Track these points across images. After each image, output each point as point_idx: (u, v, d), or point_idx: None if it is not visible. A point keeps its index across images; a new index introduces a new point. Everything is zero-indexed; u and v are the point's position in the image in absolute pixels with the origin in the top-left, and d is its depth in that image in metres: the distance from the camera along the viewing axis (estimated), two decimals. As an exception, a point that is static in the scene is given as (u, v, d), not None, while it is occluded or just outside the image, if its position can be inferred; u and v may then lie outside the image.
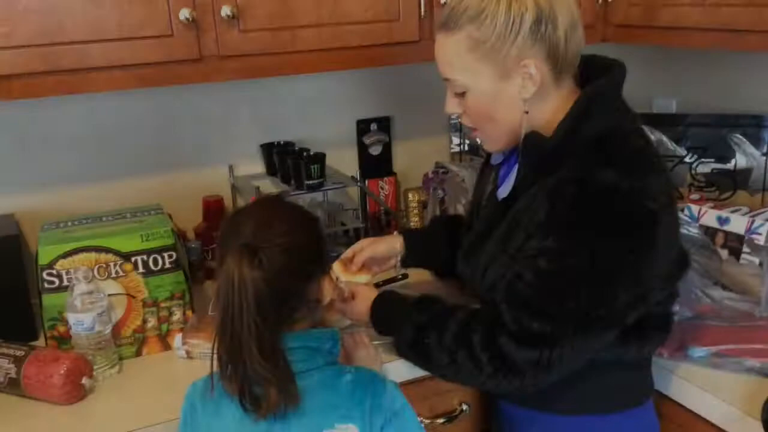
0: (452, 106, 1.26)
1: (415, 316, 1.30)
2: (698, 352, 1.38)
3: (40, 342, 1.52)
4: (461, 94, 1.22)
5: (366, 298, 1.41)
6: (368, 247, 1.56)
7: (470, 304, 1.30)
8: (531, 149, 1.20)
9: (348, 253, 1.57)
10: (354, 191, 2.07)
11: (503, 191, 1.28)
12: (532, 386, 1.18)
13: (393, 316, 1.35)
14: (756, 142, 1.90)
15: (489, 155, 1.42)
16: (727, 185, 1.92)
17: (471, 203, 1.48)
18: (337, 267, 1.54)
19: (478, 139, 1.30)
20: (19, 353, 1.36)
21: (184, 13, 1.42)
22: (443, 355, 1.23)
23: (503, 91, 1.18)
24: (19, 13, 1.33)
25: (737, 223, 1.68)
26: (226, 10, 1.46)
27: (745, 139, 1.93)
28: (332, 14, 1.58)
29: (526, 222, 1.17)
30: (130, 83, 1.45)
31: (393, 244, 1.57)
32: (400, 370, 1.41)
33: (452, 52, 1.19)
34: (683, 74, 2.08)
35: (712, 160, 1.96)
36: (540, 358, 1.13)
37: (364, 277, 1.53)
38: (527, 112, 1.19)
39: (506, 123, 1.21)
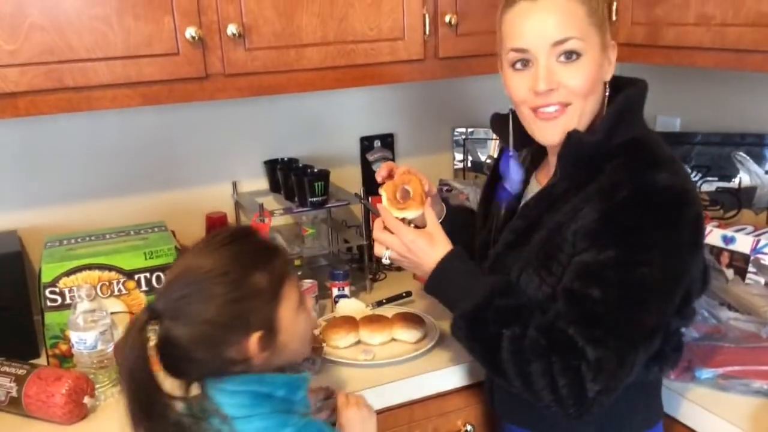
0: (550, 80, 1.15)
1: (498, 300, 1.19)
2: (705, 373, 1.37)
3: (42, 360, 1.52)
4: (572, 59, 1.15)
5: (443, 241, 1.26)
6: (433, 190, 1.39)
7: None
8: (573, 147, 1.18)
9: (410, 173, 1.35)
10: (357, 208, 2.06)
11: (512, 187, 1.29)
12: (587, 413, 1.12)
13: (465, 285, 1.23)
14: (760, 160, 1.89)
15: (496, 169, 1.42)
16: (732, 204, 1.92)
17: (482, 217, 1.44)
18: (385, 190, 1.34)
19: (548, 126, 1.19)
20: (20, 372, 1.36)
21: (191, 32, 1.43)
22: (512, 354, 1.14)
23: (602, 65, 1.18)
24: (25, 30, 1.34)
25: (743, 243, 1.67)
26: (232, 29, 1.46)
27: (749, 158, 1.92)
28: (337, 33, 1.58)
29: (572, 229, 1.15)
30: (136, 101, 1.45)
31: (443, 209, 1.44)
32: (403, 390, 1.40)
33: (572, 13, 1.14)
34: (687, 93, 2.08)
35: (716, 178, 1.96)
36: (614, 383, 1.10)
37: (413, 212, 1.31)
38: (610, 95, 1.19)
39: (600, 99, 1.20)
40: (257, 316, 1.05)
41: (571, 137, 1.17)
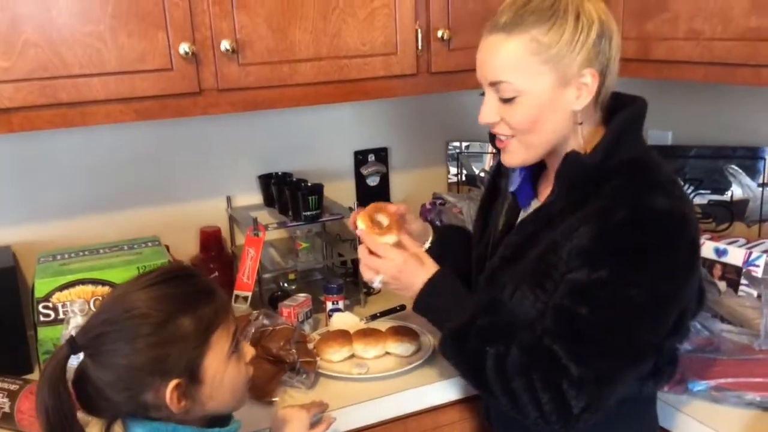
0: (490, 114, 1.20)
1: (481, 319, 1.21)
2: (698, 385, 1.38)
3: (35, 375, 1.51)
4: (508, 99, 1.17)
5: (427, 264, 1.29)
6: (408, 211, 1.43)
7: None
8: (570, 167, 1.19)
9: (379, 205, 1.40)
10: (351, 222, 2.07)
11: (524, 202, 1.30)
12: (573, 428, 1.13)
13: (454, 304, 1.25)
14: (752, 173, 1.91)
15: (493, 183, 1.43)
16: (724, 217, 1.93)
17: (480, 230, 1.44)
18: (362, 220, 1.38)
19: (502, 151, 1.25)
20: (13, 387, 1.35)
21: (184, 48, 1.43)
22: (496, 373, 1.16)
23: (558, 99, 1.17)
24: (19, 47, 1.34)
25: (735, 255, 1.68)
26: (225, 45, 1.47)
27: (741, 171, 1.94)
28: (330, 48, 1.59)
29: (567, 248, 1.15)
30: (129, 116, 1.46)
31: (427, 227, 1.48)
32: (397, 403, 1.40)
33: (512, 54, 1.15)
34: (679, 107, 2.10)
35: (709, 191, 1.97)
36: (598, 400, 1.11)
37: (390, 237, 1.34)
38: (581, 123, 1.19)
39: (550, 132, 1.20)
40: (176, 363, 1.01)
41: (569, 157, 1.18)
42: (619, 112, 1.21)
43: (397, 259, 1.29)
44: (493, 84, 1.18)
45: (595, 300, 1.11)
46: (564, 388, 1.10)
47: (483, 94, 1.23)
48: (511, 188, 1.34)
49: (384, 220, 1.36)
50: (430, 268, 1.29)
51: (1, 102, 1.35)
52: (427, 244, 1.44)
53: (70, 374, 1.03)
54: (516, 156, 1.23)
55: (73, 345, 1.01)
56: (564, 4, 1.14)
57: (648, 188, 1.13)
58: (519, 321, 1.19)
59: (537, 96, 1.16)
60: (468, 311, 1.22)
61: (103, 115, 1.44)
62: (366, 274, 1.34)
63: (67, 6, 1.35)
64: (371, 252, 1.33)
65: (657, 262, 1.10)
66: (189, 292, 1.05)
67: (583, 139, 1.20)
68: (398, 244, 1.33)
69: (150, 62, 1.43)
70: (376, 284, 1.33)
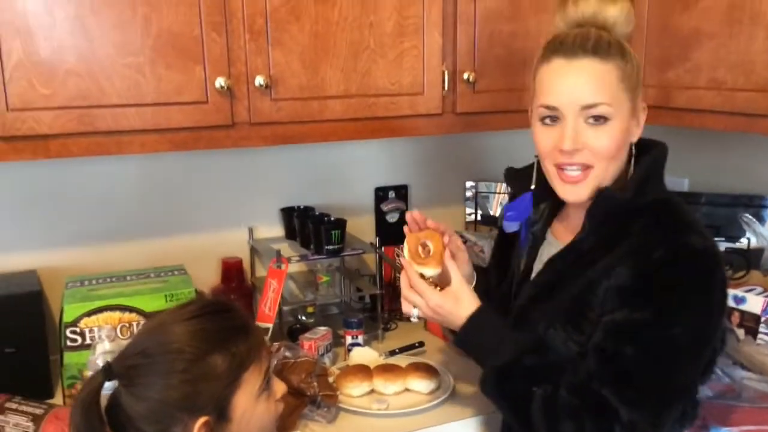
0: (576, 140, 1.17)
1: (528, 359, 1.20)
2: (720, 432, 1.38)
3: (57, 400, 1.52)
4: (599, 123, 1.17)
5: (469, 299, 1.26)
6: (461, 250, 1.40)
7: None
8: (604, 204, 1.19)
9: (435, 234, 1.33)
10: (370, 257, 2.08)
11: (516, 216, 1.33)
12: None
13: (496, 341, 1.23)
14: (766, 223, 1.93)
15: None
16: (741, 264, 1.94)
17: (501, 270, 1.45)
18: (408, 242, 1.33)
19: (571, 186, 1.21)
20: (38, 411, 1.36)
21: (220, 82, 1.47)
22: (543, 413, 1.15)
23: (629, 129, 1.20)
24: (61, 76, 1.38)
25: (753, 303, 1.69)
26: (259, 80, 1.51)
27: (755, 220, 1.96)
28: (360, 86, 1.63)
29: (603, 287, 1.16)
30: (164, 147, 1.49)
31: (473, 272, 1.43)
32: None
33: (607, 77, 1.17)
34: (695, 154, 2.12)
35: (724, 239, 1.99)
36: None
37: (429, 270, 1.30)
38: (637, 155, 1.21)
39: (621, 162, 1.22)
40: (207, 399, 1.02)
41: (602, 194, 1.20)
42: (643, 153, 1.23)
43: (432, 301, 1.27)
44: (588, 106, 1.17)
45: (639, 340, 1.11)
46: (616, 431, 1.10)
47: (550, 121, 1.20)
48: (510, 230, 1.36)
49: (432, 246, 1.31)
50: (469, 305, 1.26)
51: (40, 128, 1.38)
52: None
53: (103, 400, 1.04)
54: (585, 189, 1.20)
55: (108, 372, 1.03)
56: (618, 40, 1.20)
57: (681, 227, 1.16)
58: (564, 361, 1.19)
59: (622, 122, 1.18)
60: (512, 349, 1.21)
61: (138, 145, 1.47)
62: (404, 306, 1.33)
63: (109, 37, 1.39)
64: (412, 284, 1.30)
65: (696, 300, 1.12)
66: (225, 327, 1.06)
67: (608, 179, 1.22)
68: (443, 276, 1.30)
69: (186, 95, 1.47)
70: (414, 318, 1.32)
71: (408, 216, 1.36)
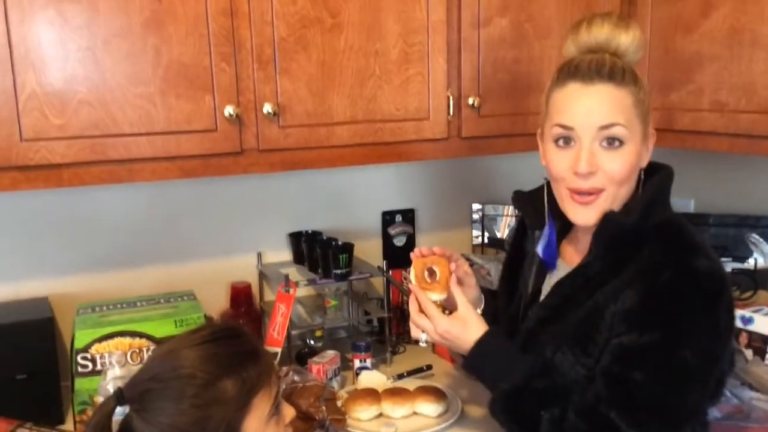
0: (591, 163, 1.19)
1: (537, 382, 1.20)
2: (729, 453, 1.38)
3: (67, 426, 1.53)
4: (614, 146, 1.19)
5: (477, 323, 1.27)
6: (471, 276, 1.42)
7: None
8: (609, 227, 1.20)
9: (441, 260, 1.35)
10: (378, 281, 2.10)
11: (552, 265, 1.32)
12: None
13: (505, 365, 1.24)
14: (774, 242, 1.94)
15: (517, 245, 1.45)
16: (748, 285, 1.94)
17: (508, 293, 1.46)
18: (414, 267, 1.35)
19: (583, 208, 1.22)
20: (49, 437, 1.37)
21: (229, 110, 1.50)
22: None
23: (641, 153, 1.23)
24: (74, 106, 1.40)
25: (761, 324, 1.69)
26: (267, 108, 1.53)
27: (762, 240, 1.96)
28: (366, 112, 1.65)
29: (611, 310, 1.17)
30: (174, 174, 1.51)
31: (481, 295, 1.45)
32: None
33: (623, 102, 1.19)
34: (701, 175, 2.14)
35: (731, 259, 1.99)
36: None
37: (435, 295, 1.32)
38: (645, 182, 1.23)
39: (630, 188, 1.23)
40: (218, 424, 1.02)
41: (607, 218, 1.21)
42: (649, 176, 1.25)
43: (440, 327, 1.28)
44: (605, 127, 1.18)
45: (647, 364, 1.12)
46: None
47: (564, 142, 1.22)
48: (539, 249, 1.35)
49: (438, 271, 1.34)
50: (477, 329, 1.27)
51: (53, 158, 1.40)
52: (478, 311, 1.41)
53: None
54: (596, 212, 1.21)
55: (120, 397, 1.04)
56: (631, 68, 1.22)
57: (688, 250, 1.17)
58: (572, 385, 1.19)
59: (635, 146, 1.20)
60: (520, 373, 1.21)
61: (149, 173, 1.49)
62: (412, 331, 1.34)
63: (120, 68, 1.42)
64: (420, 309, 1.32)
65: (703, 322, 1.13)
66: (236, 353, 1.07)
67: (619, 202, 1.23)
68: (450, 300, 1.32)
69: (196, 123, 1.49)
70: (422, 343, 1.33)
71: (413, 255, 1.37)
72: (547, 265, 1.35)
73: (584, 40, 1.23)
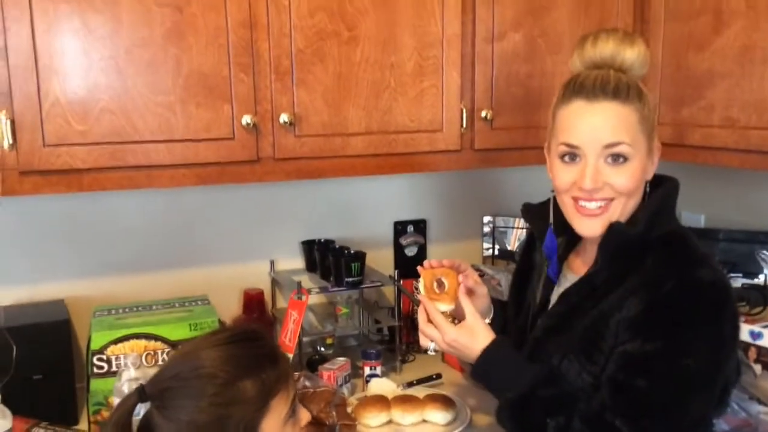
0: (597, 179, 1.20)
1: (542, 390, 1.22)
2: (736, 467, 1.38)
3: (82, 426, 1.55)
4: (620, 162, 1.20)
5: (484, 333, 1.28)
6: (481, 286, 1.44)
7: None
8: (614, 237, 1.22)
9: (450, 272, 1.37)
10: (389, 290, 2.12)
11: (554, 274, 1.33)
12: None
13: (513, 373, 1.25)
14: (784, 259, 1.94)
15: (526, 257, 1.47)
16: (758, 300, 1.95)
17: (517, 304, 1.47)
18: (423, 278, 1.37)
19: (589, 220, 1.24)
20: (65, 436, 1.40)
21: (246, 119, 1.53)
22: None
23: (646, 167, 1.24)
24: (96, 113, 1.44)
25: (770, 339, 1.70)
26: (284, 118, 1.56)
27: (772, 256, 1.97)
28: (380, 123, 1.68)
29: (615, 318, 1.18)
30: (191, 181, 1.54)
31: (490, 305, 1.46)
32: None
33: (628, 119, 1.20)
34: (711, 190, 2.14)
35: (741, 275, 2.00)
36: None
37: (443, 305, 1.34)
38: (650, 194, 1.25)
39: (637, 201, 1.25)
40: (237, 423, 1.04)
41: (613, 228, 1.22)
42: (655, 188, 1.26)
43: (448, 336, 1.29)
44: (610, 145, 1.20)
45: (651, 372, 1.14)
46: None
47: (569, 159, 1.23)
48: (547, 254, 1.37)
49: (446, 282, 1.36)
50: (484, 338, 1.28)
51: (75, 163, 1.44)
52: (487, 320, 1.41)
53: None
54: (602, 224, 1.23)
55: (142, 394, 1.07)
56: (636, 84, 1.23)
57: (691, 261, 1.18)
58: (578, 393, 1.21)
59: (640, 161, 1.22)
60: (527, 381, 1.23)
61: (167, 179, 1.52)
62: (421, 340, 1.36)
63: (142, 77, 1.46)
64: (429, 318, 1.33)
65: (707, 332, 1.14)
66: (256, 355, 1.10)
67: (626, 213, 1.24)
68: (458, 310, 1.34)
69: (214, 131, 1.52)
70: (431, 352, 1.35)
71: (421, 269, 1.39)
72: (548, 258, 1.37)
73: (590, 55, 1.25)
